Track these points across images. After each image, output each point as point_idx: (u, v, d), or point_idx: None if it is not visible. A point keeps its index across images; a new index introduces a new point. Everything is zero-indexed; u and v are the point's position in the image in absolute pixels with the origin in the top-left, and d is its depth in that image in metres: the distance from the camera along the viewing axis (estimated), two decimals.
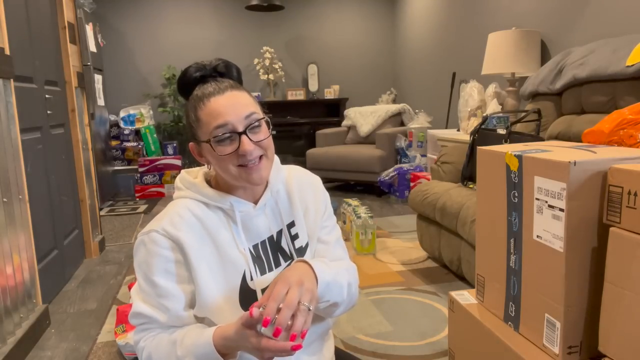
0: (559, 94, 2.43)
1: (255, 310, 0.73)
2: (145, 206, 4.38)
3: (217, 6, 5.62)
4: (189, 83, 0.89)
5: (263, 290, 0.91)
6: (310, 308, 0.76)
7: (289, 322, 0.74)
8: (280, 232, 0.97)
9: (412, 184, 4.07)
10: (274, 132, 0.97)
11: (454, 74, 4.41)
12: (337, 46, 6.00)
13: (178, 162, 4.86)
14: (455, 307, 1.34)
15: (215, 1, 5.61)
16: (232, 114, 0.83)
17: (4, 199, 1.79)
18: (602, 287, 0.92)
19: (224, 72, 0.90)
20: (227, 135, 0.83)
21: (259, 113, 0.88)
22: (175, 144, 5.15)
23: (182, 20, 5.54)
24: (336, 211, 3.66)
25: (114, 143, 4.94)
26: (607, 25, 2.72)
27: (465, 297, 1.34)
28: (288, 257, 0.96)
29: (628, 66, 1.95)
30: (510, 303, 1.14)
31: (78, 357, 1.85)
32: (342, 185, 5.04)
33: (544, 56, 3.24)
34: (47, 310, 2.09)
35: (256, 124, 0.86)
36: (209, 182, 0.96)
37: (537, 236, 1.02)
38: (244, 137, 0.84)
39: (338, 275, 0.90)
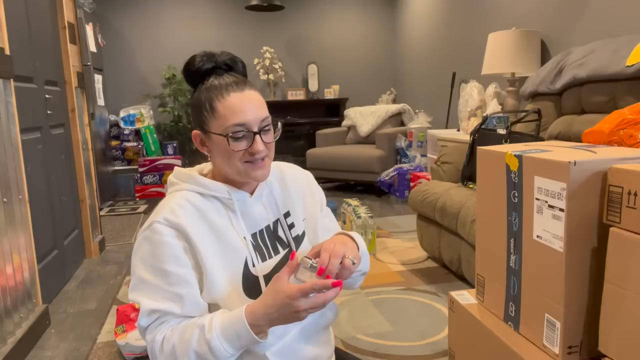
0: (559, 94, 2.42)
1: (296, 254, 0.81)
2: (145, 206, 4.38)
3: (217, 6, 5.62)
4: (200, 72, 0.92)
5: (265, 277, 0.92)
6: (355, 262, 0.84)
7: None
8: (277, 222, 0.99)
9: (412, 184, 4.07)
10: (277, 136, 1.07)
11: (454, 74, 4.41)
12: (337, 46, 6.00)
13: (178, 162, 4.86)
14: (455, 307, 1.34)
15: (215, 1, 5.61)
16: (251, 114, 0.88)
17: (4, 199, 1.79)
18: (602, 287, 0.92)
19: (232, 66, 0.95)
20: (244, 133, 0.88)
21: (270, 116, 0.93)
22: (175, 144, 5.15)
23: (182, 20, 5.53)
24: (336, 211, 3.66)
25: (114, 143, 4.94)
26: (607, 25, 2.72)
27: (465, 297, 1.34)
28: (286, 245, 0.98)
29: (628, 66, 1.95)
30: (510, 303, 1.14)
31: (78, 357, 1.85)
32: (342, 185, 5.04)
33: (544, 56, 3.23)
34: (47, 310, 2.09)
35: (269, 127, 0.91)
36: (204, 176, 0.97)
37: (537, 236, 1.02)
38: (257, 137, 0.88)
39: (365, 248, 0.99)
